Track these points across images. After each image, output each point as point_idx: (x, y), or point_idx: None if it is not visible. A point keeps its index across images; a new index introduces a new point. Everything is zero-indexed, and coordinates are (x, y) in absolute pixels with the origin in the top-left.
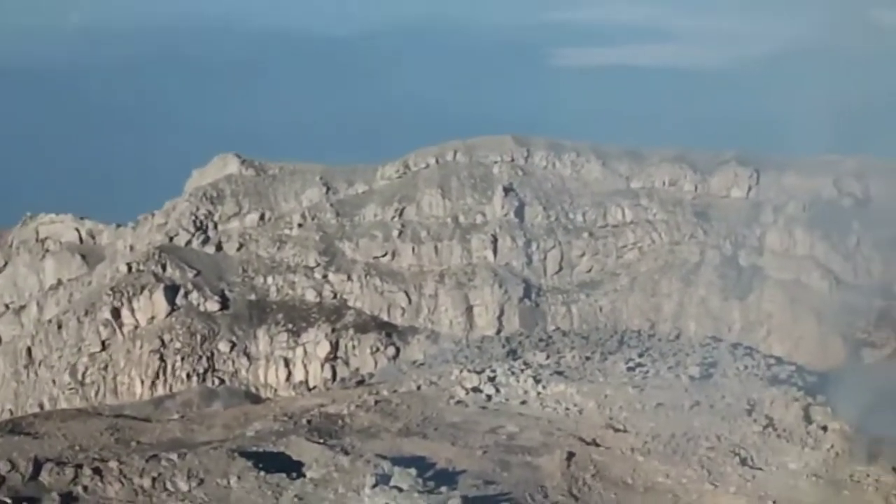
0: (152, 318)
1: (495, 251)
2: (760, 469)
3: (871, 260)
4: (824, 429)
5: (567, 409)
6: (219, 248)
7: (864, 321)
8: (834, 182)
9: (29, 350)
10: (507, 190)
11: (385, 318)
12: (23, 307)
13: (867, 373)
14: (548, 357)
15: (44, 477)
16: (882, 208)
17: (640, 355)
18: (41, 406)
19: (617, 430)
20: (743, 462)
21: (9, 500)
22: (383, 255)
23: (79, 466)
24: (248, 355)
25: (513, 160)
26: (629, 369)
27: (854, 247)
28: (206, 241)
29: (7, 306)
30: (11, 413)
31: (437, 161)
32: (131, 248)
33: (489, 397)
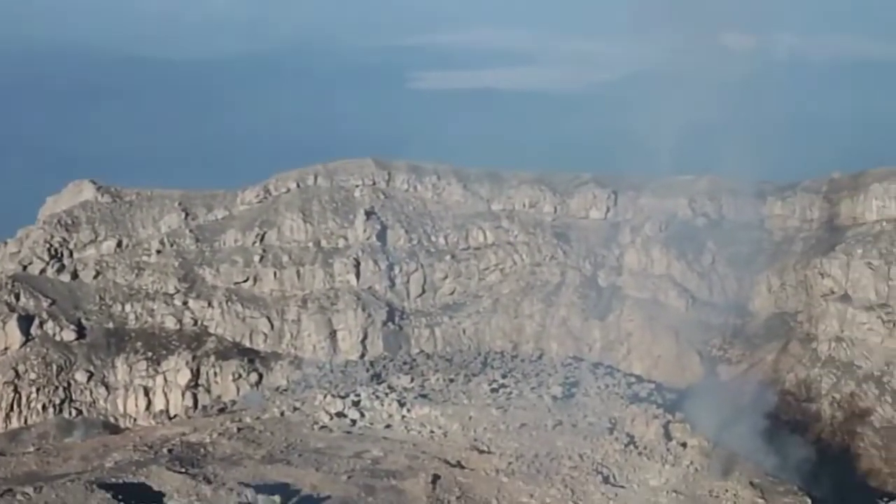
0: (6, 348)
1: (358, 275)
2: (622, 487)
3: (726, 278)
4: (683, 445)
5: (432, 431)
6: (75, 275)
7: (719, 338)
8: (689, 202)
9: None
10: (369, 213)
11: (247, 344)
12: None
13: (723, 389)
14: (412, 380)
15: None
16: (735, 227)
17: (504, 376)
18: None
19: (482, 452)
20: (605, 480)
21: None
22: (244, 281)
23: None
24: (106, 385)
25: (374, 183)
26: (493, 390)
27: (709, 265)
28: (61, 269)
29: None
30: None
31: (297, 185)
32: None
33: (354, 422)
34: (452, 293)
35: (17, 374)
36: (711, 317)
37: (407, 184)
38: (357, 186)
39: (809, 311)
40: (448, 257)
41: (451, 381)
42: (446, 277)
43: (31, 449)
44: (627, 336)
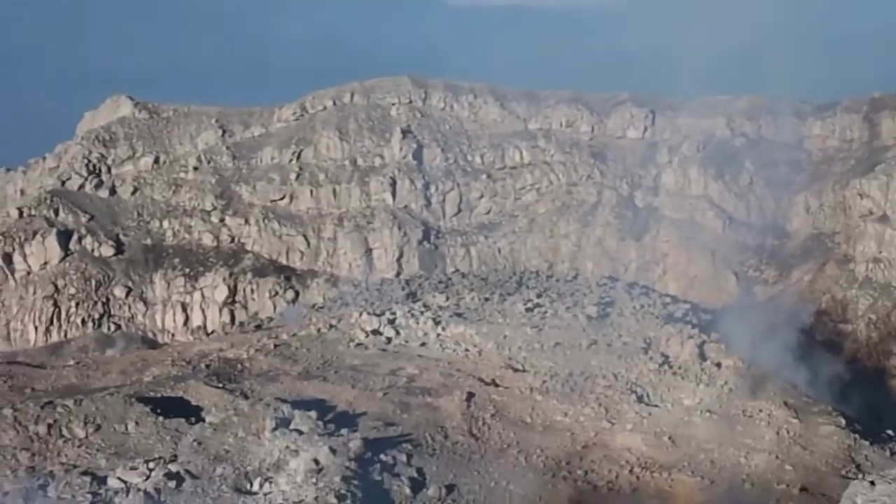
0: (45, 263)
1: (394, 193)
2: (656, 406)
3: (764, 198)
4: (718, 365)
5: (466, 350)
6: (112, 191)
7: (756, 259)
8: (727, 122)
9: None
10: (405, 132)
11: (284, 261)
12: None
13: (759, 309)
14: (447, 299)
15: None
16: (773, 147)
17: (539, 296)
18: None
19: (516, 371)
20: (639, 399)
21: None
22: (281, 199)
23: None
24: (144, 300)
25: (411, 102)
26: (528, 310)
27: (747, 185)
28: (99, 184)
29: None
30: None
31: (334, 103)
32: (22, 192)
33: (389, 340)
34: (488, 212)
35: (57, 289)
36: (748, 237)
37: (443, 102)
38: (393, 105)
39: (847, 232)
40: (484, 176)
41: (487, 300)
42: (482, 196)
43: (71, 362)
44: (663, 256)
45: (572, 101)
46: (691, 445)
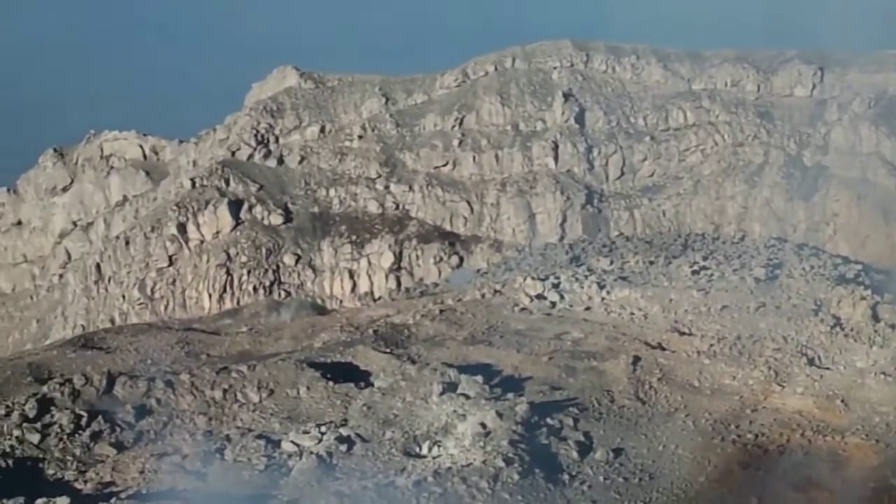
0: (217, 232)
1: (556, 158)
2: (828, 369)
3: None
4: (892, 327)
5: (632, 313)
6: (280, 161)
7: None
8: None
9: (98, 266)
10: (567, 96)
11: (448, 227)
12: (90, 224)
13: None
14: (611, 263)
15: (117, 390)
16: None
17: (705, 258)
18: (112, 321)
19: (682, 334)
20: (810, 362)
21: (84, 414)
22: (444, 165)
23: (151, 380)
24: (313, 267)
25: (572, 65)
26: (694, 273)
27: None
28: (267, 154)
29: (75, 223)
30: (83, 328)
31: (495, 68)
32: (194, 163)
33: (553, 304)
34: (652, 175)
35: (229, 257)
36: None
37: (605, 64)
38: (555, 68)
39: None
40: (647, 138)
41: (651, 263)
42: (645, 159)
43: (244, 329)
44: (833, 216)
45: (737, 60)
46: (865, 408)
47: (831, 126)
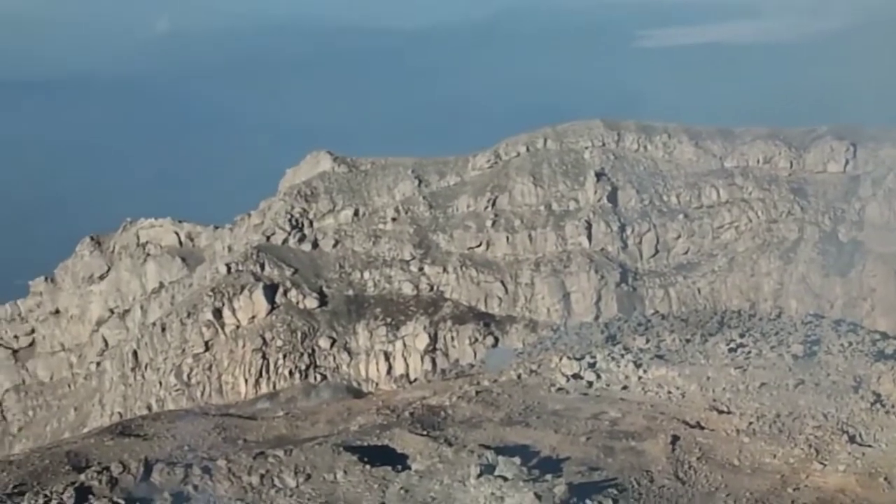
0: (253, 317)
1: (590, 237)
2: (870, 446)
3: None
4: None
5: (669, 392)
6: (315, 245)
7: None
8: None
9: (135, 353)
10: (600, 175)
11: (482, 308)
12: (127, 311)
13: None
14: (647, 341)
15: (155, 477)
16: None
17: (742, 335)
18: (149, 408)
19: (721, 412)
20: (851, 440)
21: (122, 502)
22: (478, 246)
23: (188, 466)
24: (348, 350)
25: (604, 144)
26: (731, 350)
27: None
28: (302, 238)
29: (112, 311)
30: (121, 416)
31: (527, 149)
32: (230, 248)
33: (590, 384)
34: (686, 252)
35: (265, 342)
36: None
37: (637, 143)
38: (587, 148)
39: None
40: (681, 216)
41: (688, 341)
42: (679, 237)
43: (281, 413)
44: (871, 292)
45: (769, 137)
46: None
47: (866, 201)
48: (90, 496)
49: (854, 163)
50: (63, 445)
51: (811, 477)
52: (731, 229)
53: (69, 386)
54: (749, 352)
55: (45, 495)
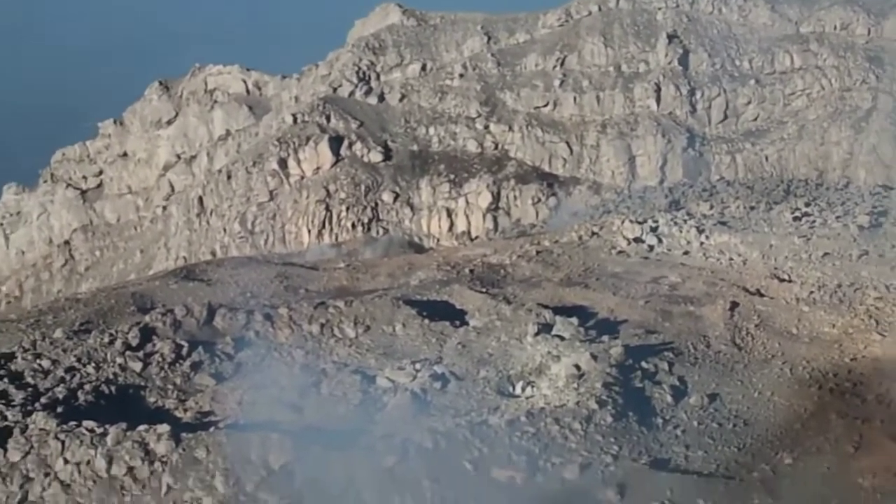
0: (317, 168)
1: (658, 100)
2: None
3: None
4: None
5: (731, 259)
6: (381, 98)
7: None
8: None
9: (200, 199)
10: (672, 37)
11: (546, 168)
12: (193, 157)
13: None
14: (711, 207)
15: (217, 322)
16: None
17: (807, 205)
18: (213, 254)
19: (782, 280)
20: None
21: (185, 344)
22: (545, 105)
23: (250, 312)
24: (411, 205)
25: (678, 6)
26: (795, 219)
27: None
28: (368, 91)
29: (179, 156)
30: (185, 260)
31: (599, 8)
32: (296, 99)
33: (651, 248)
34: (755, 119)
35: (329, 194)
36: None
37: (712, 6)
38: (660, 9)
39: None
40: (752, 82)
41: (752, 208)
42: (749, 103)
43: (342, 265)
44: None
45: (847, 3)
46: None
47: None
48: (154, 336)
49: None
50: (129, 286)
51: (869, 347)
52: (802, 96)
53: (135, 228)
54: (814, 221)
55: (111, 334)
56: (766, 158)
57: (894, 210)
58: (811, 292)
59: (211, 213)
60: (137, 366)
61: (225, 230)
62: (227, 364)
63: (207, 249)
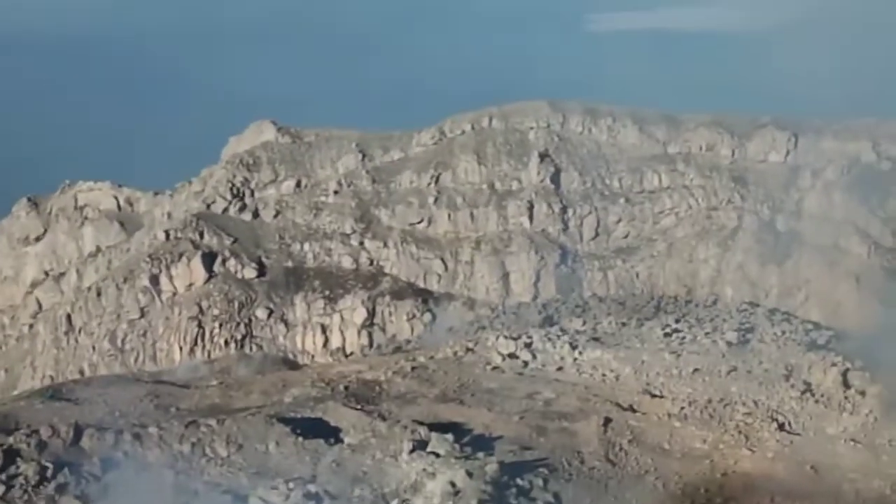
0: (190, 284)
1: (531, 217)
2: (798, 434)
3: None
4: (862, 394)
5: (604, 374)
6: (255, 215)
7: None
8: (872, 146)
9: (69, 317)
10: (543, 156)
11: (421, 284)
12: (62, 274)
13: None
14: (584, 323)
15: (84, 442)
16: None
17: (677, 321)
18: (81, 372)
19: (654, 396)
20: (781, 427)
21: (50, 465)
22: (419, 222)
23: (119, 432)
24: (285, 322)
25: (549, 126)
26: (666, 335)
27: (893, 211)
28: (242, 208)
29: (47, 273)
30: (52, 379)
31: (472, 127)
32: (169, 215)
33: (526, 363)
34: (626, 236)
35: (201, 310)
36: (894, 263)
37: (581, 126)
38: (531, 128)
39: None
40: (622, 200)
41: (624, 324)
42: (620, 220)
43: (215, 382)
44: (806, 282)
45: (713, 125)
46: (835, 475)
47: (805, 192)
48: (18, 459)
49: (795, 153)
50: None
51: (740, 463)
52: (671, 215)
53: (1, 347)
54: (684, 337)
55: None
56: (637, 275)
57: (761, 327)
58: (682, 408)
59: (80, 331)
60: (0, 489)
61: (94, 348)
62: (94, 486)
63: (75, 368)
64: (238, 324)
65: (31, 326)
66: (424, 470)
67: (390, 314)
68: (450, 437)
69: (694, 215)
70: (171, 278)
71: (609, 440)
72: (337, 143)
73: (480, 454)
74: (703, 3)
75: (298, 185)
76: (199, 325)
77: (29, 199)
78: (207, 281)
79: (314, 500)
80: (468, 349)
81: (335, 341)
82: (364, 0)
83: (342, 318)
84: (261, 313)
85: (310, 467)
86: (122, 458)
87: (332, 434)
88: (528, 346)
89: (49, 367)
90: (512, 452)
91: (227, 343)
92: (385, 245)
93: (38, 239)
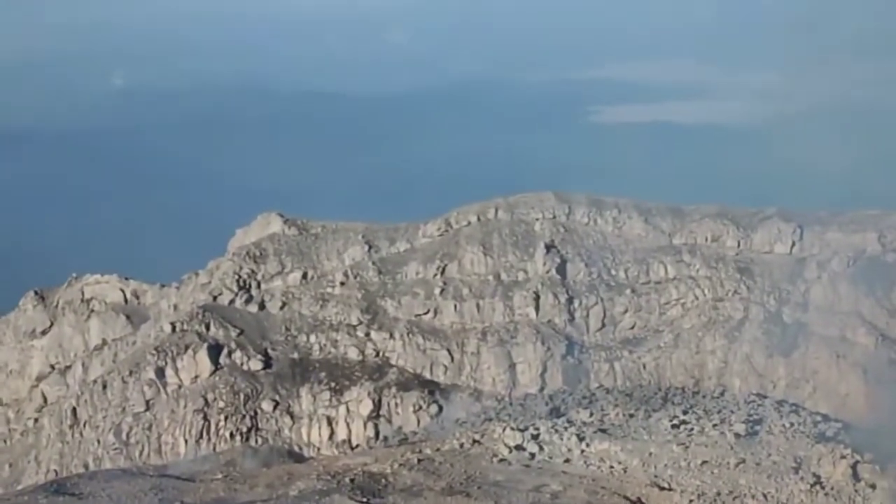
0: (196, 377)
1: (537, 308)
2: None
3: None
4: (873, 487)
5: (611, 467)
6: (262, 306)
7: None
8: (878, 237)
9: (74, 410)
10: (549, 247)
11: (428, 375)
12: (68, 367)
13: None
14: (591, 414)
15: None
16: None
17: (685, 412)
18: (86, 466)
19: (662, 489)
20: None
21: None
22: (425, 313)
23: None
24: (291, 414)
25: (554, 217)
26: (674, 426)
27: None
28: (249, 300)
29: (53, 367)
30: (56, 473)
31: (478, 218)
32: (175, 307)
33: (532, 455)
34: (633, 327)
35: (207, 403)
36: None
37: (587, 217)
38: (537, 220)
39: None
40: (628, 291)
41: (631, 416)
42: (626, 311)
43: (219, 476)
44: (813, 374)
45: (718, 216)
46: None
47: (811, 284)
48: None
49: (800, 245)
50: None
51: None
52: (677, 306)
53: (5, 441)
54: (692, 429)
55: None
56: (644, 366)
57: (769, 418)
58: (691, 500)
59: (84, 425)
60: None
61: (99, 442)
62: None
63: (80, 462)
64: (244, 416)
65: (35, 420)
66: None
67: (396, 406)
68: None
69: (700, 306)
70: (176, 371)
71: None
72: (343, 235)
73: None
74: (707, 96)
75: (305, 276)
76: (205, 418)
77: (36, 293)
78: (213, 373)
79: None
80: (475, 441)
81: (341, 433)
82: (366, 97)
83: (348, 409)
84: (266, 405)
85: None
86: None
87: None
88: (535, 437)
89: (53, 462)
90: None
91: (232, 435)
92: (391, 336)
93: (44, 332)
